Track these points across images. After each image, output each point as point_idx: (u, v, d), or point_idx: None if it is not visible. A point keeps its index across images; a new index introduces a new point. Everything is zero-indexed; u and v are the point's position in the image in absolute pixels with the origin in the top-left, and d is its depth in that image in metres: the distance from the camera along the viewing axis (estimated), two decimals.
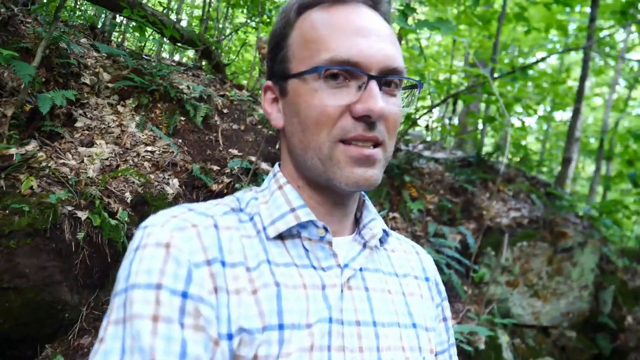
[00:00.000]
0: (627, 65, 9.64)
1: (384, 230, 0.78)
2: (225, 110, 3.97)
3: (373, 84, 0.65)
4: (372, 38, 0.67)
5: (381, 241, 0.79)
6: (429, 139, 5.57)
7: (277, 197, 0.72)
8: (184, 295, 0.58)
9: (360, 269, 0.73)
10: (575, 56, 10.43)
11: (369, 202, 0.80)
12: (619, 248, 5.02)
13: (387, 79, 0.67)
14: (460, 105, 6.74)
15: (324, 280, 0.67)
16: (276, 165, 0.78)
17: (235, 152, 3.58)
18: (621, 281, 4.26)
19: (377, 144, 0.67)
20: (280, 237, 0.69)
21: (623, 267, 4.51)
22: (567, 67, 10.80)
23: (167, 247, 0.60)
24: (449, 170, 4.46)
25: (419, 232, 3.72)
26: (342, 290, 0.68)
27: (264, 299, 0.62)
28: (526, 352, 3.57)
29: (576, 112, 5.31)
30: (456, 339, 2.86)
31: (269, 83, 0.75)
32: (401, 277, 0.79)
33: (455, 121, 7.07)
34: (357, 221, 0.78)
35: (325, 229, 0.69)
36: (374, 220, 0.76)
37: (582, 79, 5.30)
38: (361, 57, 0.65)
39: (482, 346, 2.99)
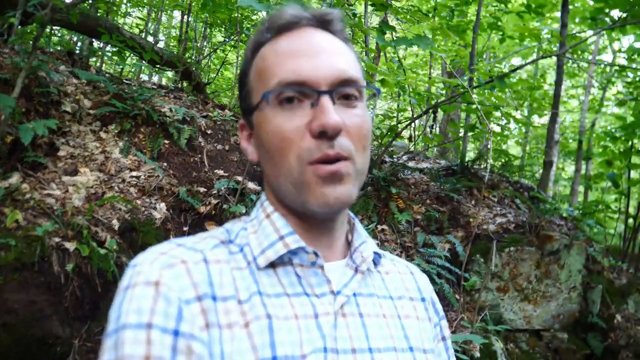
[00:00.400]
0: (600, 67, 9.89)
1: (376, 253, 0.78)
2: (208, 131, 3.96)
3: (324, 99, 0.65)
4: (320, 56, 0.67)
5: (375, 263, 0.79)
6: (412, 149, 5.63)
7: (266, 226, 0.72)
8: (176, 333, 0.57)
9: (354, 295, 0.72)
10: (550, 60, 10.66)
11: (358, 225, 0.80)
12: (603, 247, 5.10)
13: (340, 91, 0.67)
14: (440, 114, 6.84)
15: (316, 308, 0.67)
16: (262, 194, 0.78)
17: (221, 172, 3.57)
18: (608, 280, 4.33)
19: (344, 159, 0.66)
20: (272, 265, 0.69)
21: (609, 266, 4.59)
22: (543, 72, 11.04)
23: (157, 285, 0.59)
24: (434, 179, 4.50)
25: (408, 242, 3.74)
26: (335, 318, 0.68)
27: (256, 332, 0.62)
28: (520, 356, 3.60)
29: (554, 117, 5.42)
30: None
31: (243, 121, 0.77)
32: (396, 299, 0.79)
33: (437, 130, 7.16)
34: (349, 244, 0.78)
35: (316, 254, 0.69)
36: (364, 244, 0.76)
37: (558, 84, 5.42)
38: (308, 76, 0.66)
39: (477, 354, 3.01)
